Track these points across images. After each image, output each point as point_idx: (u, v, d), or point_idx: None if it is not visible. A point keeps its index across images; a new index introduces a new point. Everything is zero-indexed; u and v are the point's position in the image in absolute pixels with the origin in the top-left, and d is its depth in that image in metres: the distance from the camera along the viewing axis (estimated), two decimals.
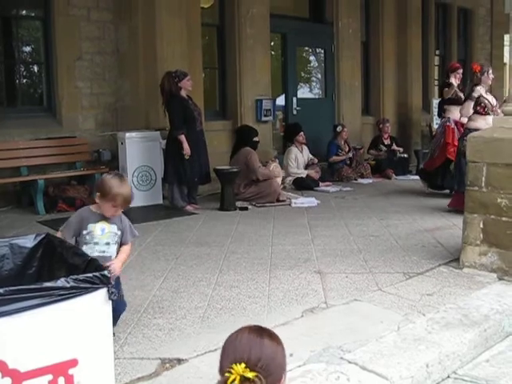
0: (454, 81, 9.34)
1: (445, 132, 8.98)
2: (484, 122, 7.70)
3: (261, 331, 2.02)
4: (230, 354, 1.95)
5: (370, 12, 13.78)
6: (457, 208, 7.35)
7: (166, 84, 8.25)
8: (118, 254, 3.78)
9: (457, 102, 9.10)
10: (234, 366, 1.85)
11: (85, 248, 3.62)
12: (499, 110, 7.90)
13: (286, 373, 2.01)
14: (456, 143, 8.62)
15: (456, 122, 9.05)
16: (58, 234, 3.61)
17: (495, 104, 8.04)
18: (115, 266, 3.51)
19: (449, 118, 9.16)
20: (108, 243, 3.74)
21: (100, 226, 3.72)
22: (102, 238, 3.72)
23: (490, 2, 17.13)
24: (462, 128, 8.59)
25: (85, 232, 3.70)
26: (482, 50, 17.07)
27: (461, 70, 9.60)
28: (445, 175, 8.87)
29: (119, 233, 3.79)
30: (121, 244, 3.82)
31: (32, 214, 8.02)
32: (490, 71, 8.20)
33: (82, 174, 8.76)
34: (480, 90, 8.01)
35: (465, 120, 8.47)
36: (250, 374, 1.84)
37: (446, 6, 15.90)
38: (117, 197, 3.65)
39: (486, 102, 7.93)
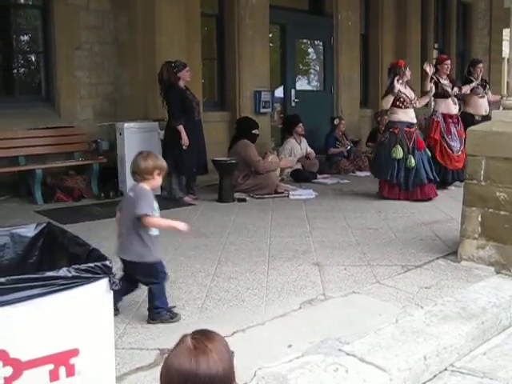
0: (441, 73, 9.42)
1: (431, 125, 9.16)
2: (404, 115, 8.32)
3: (197, 353, 1.86)
4: None
5: (370, 5, 13.76)
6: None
7: (165, 74, 8.23)
8: None
9: (443, 95, 9.21)
10: None
11: None
12: (417, 103, 8.52)
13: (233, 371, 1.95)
14: (437, 137, 9.08)
15: (444, 115, 9.23)
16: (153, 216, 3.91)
17: (413, 97, 8.41)
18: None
19: (436, 111, 9.38)
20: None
21: None
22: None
23: None
24: (451, 120, 9.19)
25: (156, 207, 4.00)
26: (481, 44, 17.07)
27: (448, 61, 9.64)
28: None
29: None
30: None
31: (30, 203, 8.01)
32: (408, 68, 8.52)
33: (80, 164, 8.74)
34: (398, 86, 8.27)
35: (454, 111, 9.23)
36: None
37: None
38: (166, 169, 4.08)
39: (404, 96, 8.28)
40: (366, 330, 3.76)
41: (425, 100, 9.08)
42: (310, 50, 13.41)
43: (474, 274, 4.98)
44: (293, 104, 11.99)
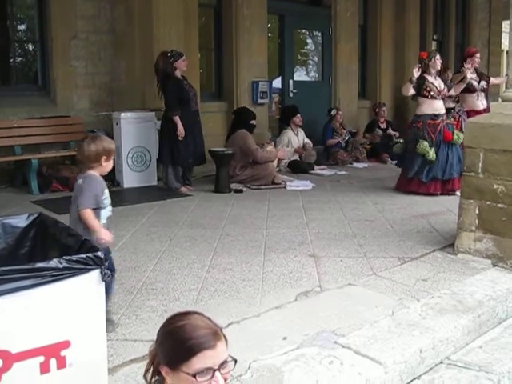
0: (470, 66, 9.20)
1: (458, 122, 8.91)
2: (429, 107, 8.04)
3: None
4: None
5: None
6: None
7: (161, 64, 8.18)
8: None
9: (469, 90, 9.14)
10: None
11: (103, 212, 3.71)
12: (453, 91, 8.35)
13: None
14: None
15: (469, 112, 9.10)
16: (89, 212, 3.61)
17: (443, 88, 8.18)
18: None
19: (460, 108, 9.26)
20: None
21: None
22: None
23: None
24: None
25: (104, 197, 3.73)
26: (480, 35, 17.01)
27: (478, 54, 9.52)
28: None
29: None
30: None
31: (26, 193, 7.97)
32: (438, 56, 8.22)
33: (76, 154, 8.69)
34: (416, 74, 7.99)
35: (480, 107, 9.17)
36: None
37: None
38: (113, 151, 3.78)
39: (432, 86, 8.06)
40: (362, 322, 3.75)
41: (460, 87, 8.86)
42: (309, 40, 13.36)
43: (471, 267, 4.97)
44: (291, 95, 11.95)
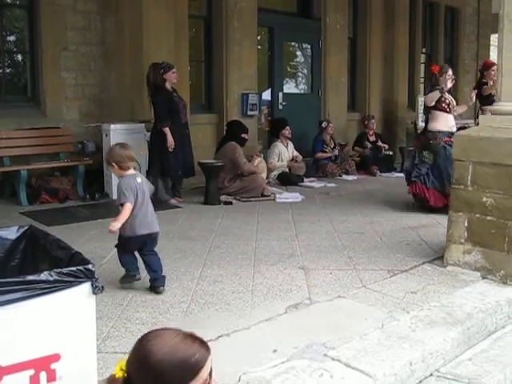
0: (488, 79, 8.95)
1: None
2: (444, 124, 7.66)
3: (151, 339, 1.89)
4: None
5: (358, 8, 13.75)
6: None
7: (152, 75, 8.21)
8: None
9: (491, 102, 9.01)
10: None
11: None
12: (455, 111, 7.91)
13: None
14: None
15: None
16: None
17: (454, 104, 7.92)
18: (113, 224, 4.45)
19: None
20: None
21: None
22: None
23: (477, 2, 17.17)
24: None
25: None
26: (469, 49, 17.12)
27: (495, 67, 9.45)
28: None
29: None
30: None
31: (14, 204, 7.94)
32: (450, 72, 7.84)
33: (66, 166, 8.68)
34: (448, 84, 7.72)
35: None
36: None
37: (433, 4, 15.91)
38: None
39: (450, 99, 7.79)
40: (352, 334, 3.75)
41: (462, 109, 8.53)
42: (298, 52, 13.40)
43: (460, 279, 4.98)
44: (280, 107, 11.97)
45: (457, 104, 8.31)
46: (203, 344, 1.87)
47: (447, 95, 7.78)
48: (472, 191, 5.09)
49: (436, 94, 7.65)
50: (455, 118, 8.07)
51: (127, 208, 4.46)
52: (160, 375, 1.79)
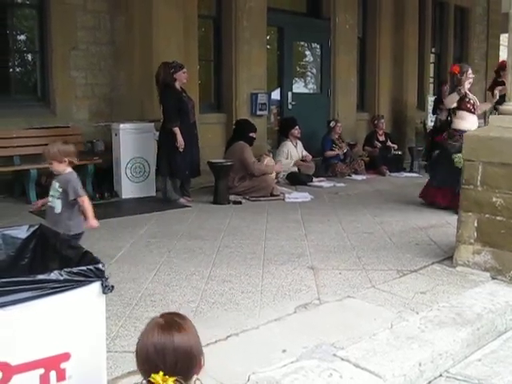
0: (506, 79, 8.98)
1: None
2: (470, 124, 7.53)
3: (169, 327, 2.05)
4: (144, 362, 2.02)
5: (368, 8, 13.75)
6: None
7: (162, 74, 8.19)
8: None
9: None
10: (153, 376, 1.94)
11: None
12: (481, 108, 7.89)
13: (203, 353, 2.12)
14: None
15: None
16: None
17: (478, 104, 7.86)
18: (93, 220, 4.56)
19: None
20: (52, 196, 4.71)
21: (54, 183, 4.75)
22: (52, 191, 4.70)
23: (487, 1, 17.14)
24: None
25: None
26: (478, 48, 17.09)
27: None
28: None
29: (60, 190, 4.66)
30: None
31: (24, 203, 7.94)
32: (470, 71, 7.82)
33: (75, 165, 8.67)
34: (466, 86, 7.66)
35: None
36: (170, 380, 1.92)
37: (443, 4, 15.89)
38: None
39: (474, 100, 7.75)
40: (361, 335, 3.74)
41: (486, 106, 8.55)
42: (308, 52, 13.39)
43: (470, 280, 4.96)
44: (289, 107, 11.97)
45: None
46: None
47: (471, 95, 7.76)
48: (482, 191, 5.07)
49: (455, 97, 7.63)
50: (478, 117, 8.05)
51: (87, 200, 4.64)
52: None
